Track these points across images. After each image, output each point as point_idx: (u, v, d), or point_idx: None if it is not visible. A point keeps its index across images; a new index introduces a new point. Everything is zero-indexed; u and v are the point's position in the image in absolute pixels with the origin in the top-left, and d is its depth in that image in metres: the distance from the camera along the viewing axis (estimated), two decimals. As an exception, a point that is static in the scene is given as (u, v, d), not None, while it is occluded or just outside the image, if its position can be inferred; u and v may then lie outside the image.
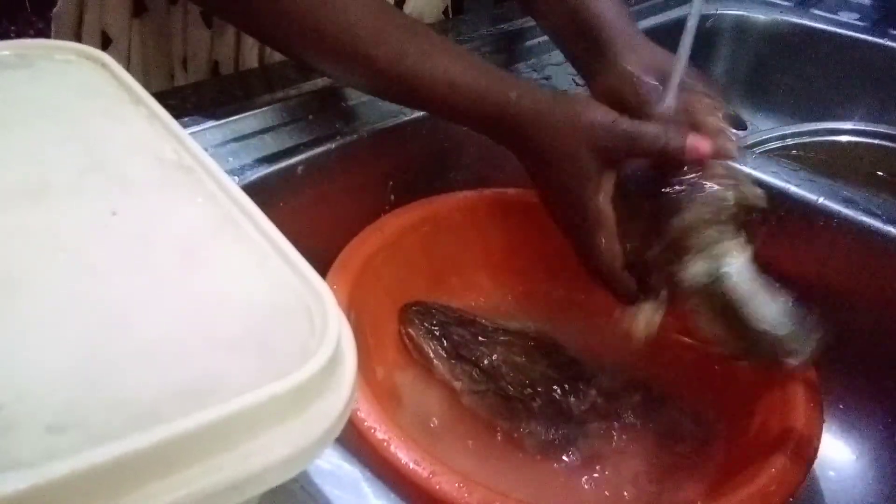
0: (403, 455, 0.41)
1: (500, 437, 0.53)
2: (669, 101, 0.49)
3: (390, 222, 0.59)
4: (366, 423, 0.42)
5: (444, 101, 0.51)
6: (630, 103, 0.51)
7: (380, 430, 0.42)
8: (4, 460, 0.20)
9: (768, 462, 0.44)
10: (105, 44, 0.68)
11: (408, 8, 0.73)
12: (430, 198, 0.62)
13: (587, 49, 0.56)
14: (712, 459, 0.52)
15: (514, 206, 0.63)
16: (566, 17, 0.59)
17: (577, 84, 0.67)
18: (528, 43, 0.76)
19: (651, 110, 0.50)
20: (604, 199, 0.48)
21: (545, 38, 0.77)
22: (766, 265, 0.55)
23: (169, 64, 0.70)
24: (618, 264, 0.49)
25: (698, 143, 0.47)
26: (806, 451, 0.45)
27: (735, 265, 0.46)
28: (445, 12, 0.79)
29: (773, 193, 0.56)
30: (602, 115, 0.48)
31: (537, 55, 0.75)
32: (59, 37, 0.69)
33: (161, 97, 0.37)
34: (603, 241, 0.49)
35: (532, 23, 0.78)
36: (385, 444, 0.41)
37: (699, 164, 0.47)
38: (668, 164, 0.48)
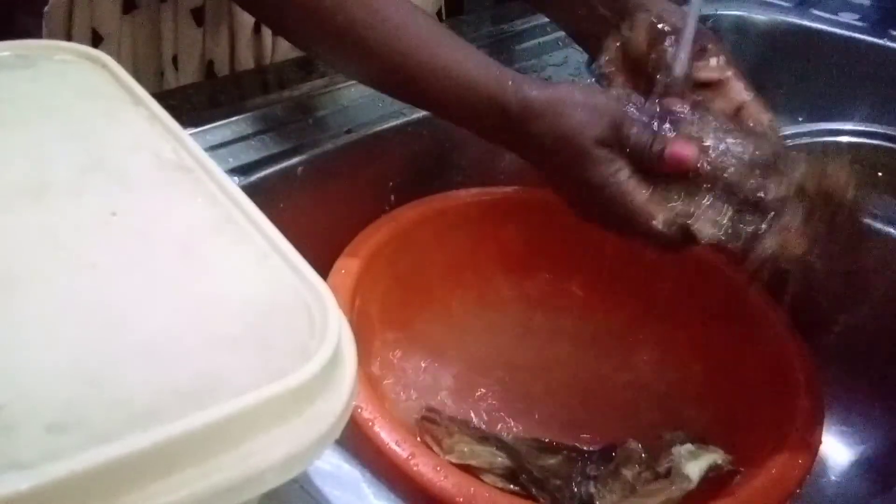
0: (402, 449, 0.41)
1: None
2: (679, 70, 0.48)
3: (405, 213, 0.59)
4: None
5: (439, 93, 0.49)
6: (645, 71, 0.50)
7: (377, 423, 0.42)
8: (4, 460, 0.20)
9: (767, 464, 0.44)
10: (95, 42, 0.67)
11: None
12: (447, 193, 0.62)
13: (595, 21, 0.54)
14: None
15: (532, 206, 0.63)
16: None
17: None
18: (529, 43, 0.76)
19: (666, 77, 0.48)
20: (624, 181, 0.46)
21: (546, 38, 0.77)
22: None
23: (159, 63, 0.69)
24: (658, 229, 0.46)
25: (679, 153, 0.45)
26: (806, 452, 0.45)
27: None
28: (439, 13, 0.79)
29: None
30: (592, 100, 0.47)
31: (538, 55, 0.75)
32: (50, 35, 0.68)
33: (161, 97, 0.37)
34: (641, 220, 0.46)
35: (533, 23, 0.78)
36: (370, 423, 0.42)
37: (680, 170, 0.45)
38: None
